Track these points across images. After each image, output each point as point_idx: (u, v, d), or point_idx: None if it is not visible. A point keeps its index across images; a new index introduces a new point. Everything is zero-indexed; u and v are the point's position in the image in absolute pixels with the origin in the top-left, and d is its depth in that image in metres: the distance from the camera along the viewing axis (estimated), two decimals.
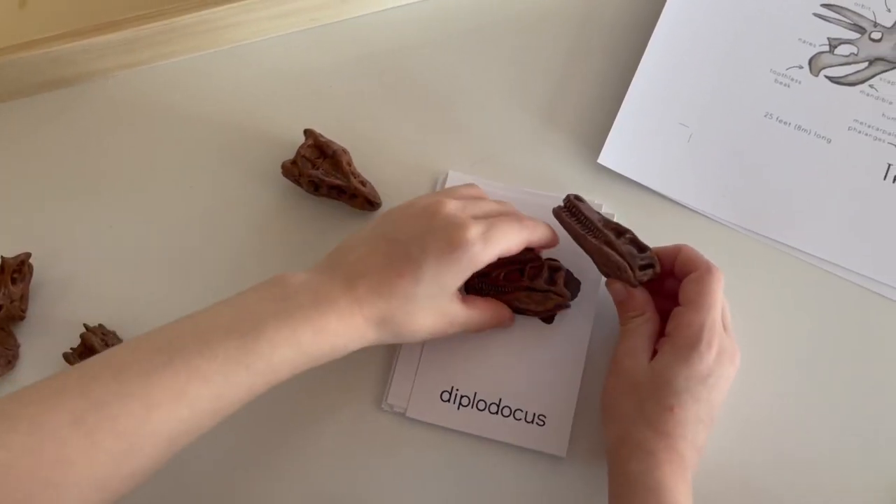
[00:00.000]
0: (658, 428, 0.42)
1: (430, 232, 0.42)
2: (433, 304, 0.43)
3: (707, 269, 0.44)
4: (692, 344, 0.43)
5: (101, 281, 0.52)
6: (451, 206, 0.44)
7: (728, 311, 0.46)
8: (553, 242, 0.48)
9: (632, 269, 0.45)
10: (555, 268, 0.49)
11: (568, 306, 0.49)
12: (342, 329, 0.41)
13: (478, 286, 0.48)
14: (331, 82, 0.56)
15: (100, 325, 0.50)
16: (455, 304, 0.44)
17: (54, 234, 0.53)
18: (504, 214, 0.45)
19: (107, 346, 0.48)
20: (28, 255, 0.50)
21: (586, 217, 0.46)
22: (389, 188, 0.53)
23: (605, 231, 0.46)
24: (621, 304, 0.47)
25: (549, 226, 0.47)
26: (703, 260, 0.45)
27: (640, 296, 0.46)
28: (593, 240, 0.46)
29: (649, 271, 0.45)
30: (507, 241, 0.44)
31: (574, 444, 0.48)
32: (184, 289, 0.52)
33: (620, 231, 0.46)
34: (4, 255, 0.50)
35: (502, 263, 0.47)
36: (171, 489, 0.48)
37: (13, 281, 0.49)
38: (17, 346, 0.50)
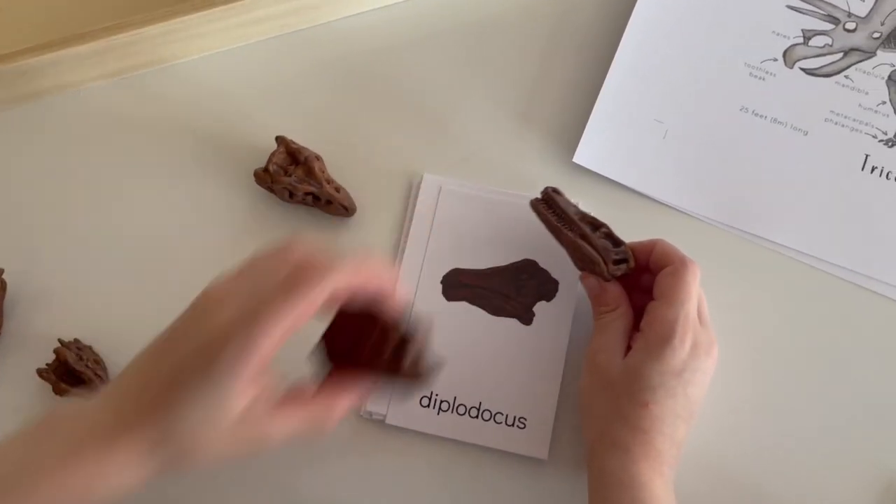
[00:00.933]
0: (634, 424, 0.42)
1: (190, 348, 0.35)
2: (218, 428, 0.35)
3: (682, 262, 0.44)
4: (665, 339, 0.42)
5: (76, 295, 0.52)
6: (220, 316, 0.35)
7: (705, 304, 0.46)
8: (380, 281, 0.38)
9: (605, 262, 0.45)
10: (405, 340, 0.38)
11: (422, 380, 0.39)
12: (103, 464, 0.34)
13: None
14: (303, 88, 0.55)
15: (75, 340, 0.50)
16: (250, 423, 0.35)
17: (27, 249, 0.52)
18: (277, 290, 0.35)
19: (81, 360, 0.48)
20: (1, 270, 0.50)
21: (563, 210, 0.46)
22: (365, 193, 0.52)
23: (581, 224, 0.45)
24: (595, 299, 0.47)
25: (372, 263, 0.38)
26: (678, 254, 0.45)
27: (614, 290, 0.46)
28: (568, 233, 0.45)
29: (623, 266, 0.45)
30: (275, 330, 0.34)
31: (555, 446, 0.47)
32: (159, 300, 0.51)
33: (596, 225, 0.46)
34: None
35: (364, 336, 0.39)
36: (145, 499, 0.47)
37: None
38: None
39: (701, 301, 0.45)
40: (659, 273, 0.45)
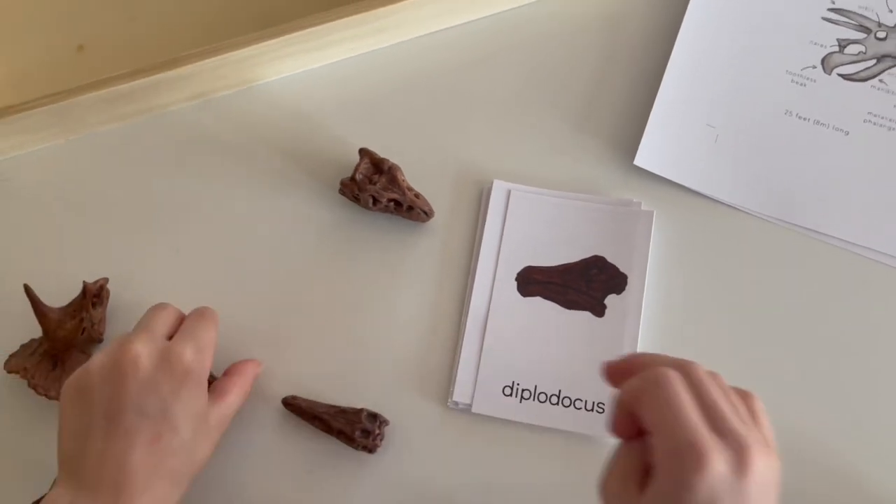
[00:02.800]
0: None
1: (147, 381, 0.43)
2: (199, 433, 0.45)
3: (644, 386, 0.36)
4: (676, 477, 0.33)
5: (171, 303, 0.55)
6: (141, 347, 0.45)
7: (726, 400, 0.36)
8: None
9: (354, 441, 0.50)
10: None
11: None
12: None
13: None
14: (376, 104, 0.59)
15: None
16: (213, 412, 0.46)
17: (126, 260, 0.56)
18: (192, 318, 0.49)
19: None
20: (106, 279, 0.53)
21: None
22: (439, 200, 0.56)
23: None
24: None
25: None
26: (639, 381, 0.36)
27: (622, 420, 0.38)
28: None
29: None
30: (209, 336, 0.48)
31: None
32: (251, 307, 0.54)
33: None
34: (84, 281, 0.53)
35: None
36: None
37: (93, 305, 0.52)
38: None
39: (712, 400, 0.35)
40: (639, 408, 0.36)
